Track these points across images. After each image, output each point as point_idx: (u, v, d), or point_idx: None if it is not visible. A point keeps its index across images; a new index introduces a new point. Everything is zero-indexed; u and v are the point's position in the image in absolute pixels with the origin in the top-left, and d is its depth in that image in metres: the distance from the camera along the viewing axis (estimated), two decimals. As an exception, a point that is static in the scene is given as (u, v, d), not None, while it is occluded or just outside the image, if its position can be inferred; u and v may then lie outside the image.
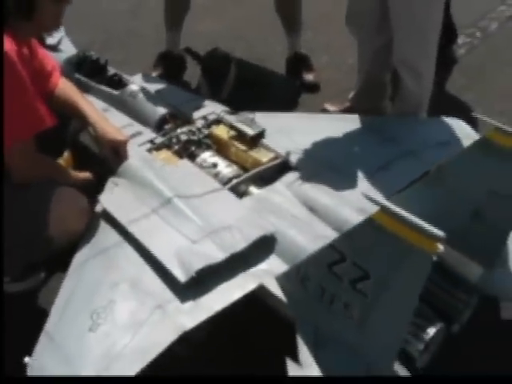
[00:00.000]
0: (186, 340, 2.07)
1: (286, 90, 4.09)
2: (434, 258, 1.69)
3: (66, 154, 2.91)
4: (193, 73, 4.10)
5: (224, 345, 2.43)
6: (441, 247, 1.66)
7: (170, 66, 4.19)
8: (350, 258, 1.91)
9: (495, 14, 5.17)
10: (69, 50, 3.62)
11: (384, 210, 1.75)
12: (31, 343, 2.06)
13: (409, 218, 1.70)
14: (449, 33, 4.09)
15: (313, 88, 4.12)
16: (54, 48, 3.48)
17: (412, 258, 1.73)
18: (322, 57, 4.41)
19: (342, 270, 1.94)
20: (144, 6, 5.25)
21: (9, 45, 2.26)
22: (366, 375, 1.97)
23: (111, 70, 3.39)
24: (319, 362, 2.01)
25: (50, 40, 3.48)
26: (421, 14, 2.95)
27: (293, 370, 1.99)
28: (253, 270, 2.27)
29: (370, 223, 1.80)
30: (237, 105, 3.22)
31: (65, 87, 2.84)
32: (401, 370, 2.00)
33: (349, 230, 1.92)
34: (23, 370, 2.01)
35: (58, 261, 2.47)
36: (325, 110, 3.77)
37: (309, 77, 4.16)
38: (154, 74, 4.01)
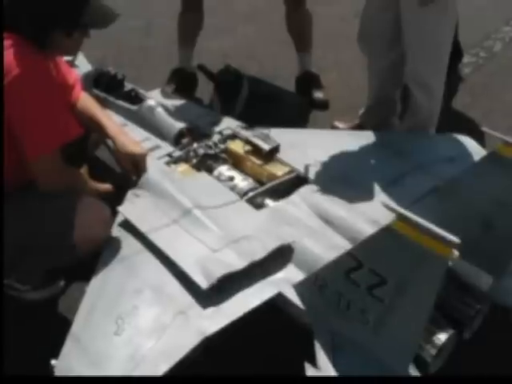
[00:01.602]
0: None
1: (296, 107, 4.17)
2: (450, 264, 1.76)
3: (84, 169, 2.97)
4: (205, 89, 4.17)
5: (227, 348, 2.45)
6: (456, 252, 1.74)
7: (182, 82, 4.27)
8: (366, 265, 1.97)
9: (500, 34, 5.28)
10: (84, 66, 3.70)
11: (401, 217, 1.83)
12: (53, 349, 2.10)
13: (425, 225, 1.77)
14: (455, 52, 4.18)
15: (322, 106, 4.21)
16: (70, 64, 3.55)
17: (428, 264, 1.80)
18: (330, 74, 4.49)
19: (359, 276, 2.00)
20: (155, 23, 5.35)
21: (34, 60, 2.36)
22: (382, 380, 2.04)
23: (128, 86, 3.47)
24: (336, 366, 2.06)
25: (66, 56, 3.55)
26: (433, 30, 3.02)
27: (311, 373, 2.04)
28: (271, 278, 2.33)
29: (387, 231, 1.87)
30: (249, 121, 3.29)
31: (86, 101, 2.92)
32: (415, 375, 2.05)
33: (366, 237, 1.99)
34: (46, 374, 2.07)
35: (78, 270, 2.53)
36: (334, 127, 3.84)
37: (318, 95, 4.25)
38: (167, 90, 4.08)
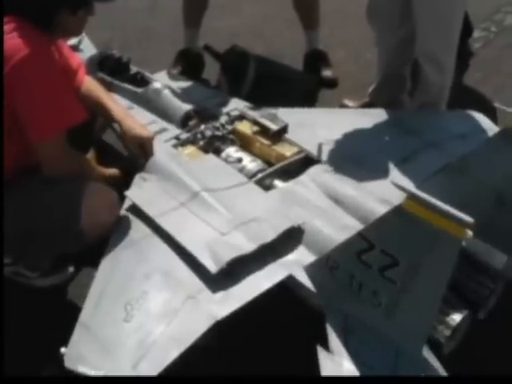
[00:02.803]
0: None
1: (304, 85, 4.11)
2: (463, 244, 1.73)
3: (91, 153, 2.95)
4: (212, 70, 4.12)
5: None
6: (470, 232, 1.71)
7: (189, 63, 4.22)
8: (378, 246, 1.95)
9: (510, 7, 5.16)
10: (89, 49, 3.66)
11: (413, 197, 1.79)
12: (63, 336, 2.09)
13: (437, 205, 1.74)
14: (464, 27, 4.11)
15: (331, 84, 4.15)
16: (75, 48, 3.52)
17: (441, 244, 1.78)
18: (338, 52, 4.42)
19: (371, 257, 1.98)
20: (160, 4, 5.28)
21: (38, 43, 2.33)
22: (395, 362, 2.02)
23: (133, 69, 3.43)
24: (349, 349, 2.04)
25: (71, 40, 3.51)
26: (444, 5, 2.97)
27: (323, 357, 2.02)
28: (281, 260, 2.31)
29: (398, 211, 1.84)
30: (256, 101, 3.25)
31: (90, 85, 2.89)
32: (429, 356, 2.03)
33: (377, 218, 1.96)
34: (55, 363, 2.06)
35: (86, 256, 2.51)
36: (344, 106, 3.79)
37: (327, 73, 4.19)
38: (174, 72, 4.04)
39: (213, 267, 2.20)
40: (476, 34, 4.66)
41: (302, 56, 4.31)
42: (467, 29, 4.29)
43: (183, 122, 3.04)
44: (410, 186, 2.02)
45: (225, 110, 3.16)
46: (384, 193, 2.45)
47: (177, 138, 2.96)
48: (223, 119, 3.07)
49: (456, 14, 3.07)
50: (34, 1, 2.38)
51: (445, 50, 3.15)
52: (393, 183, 1.90)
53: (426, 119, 3.10)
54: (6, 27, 2.36)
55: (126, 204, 2.59)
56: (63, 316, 2.28)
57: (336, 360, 2.02)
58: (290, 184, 2.64)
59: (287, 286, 2.28)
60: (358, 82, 4.05)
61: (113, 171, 2.78)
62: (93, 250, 2.42)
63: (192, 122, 3.05)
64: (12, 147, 2.41)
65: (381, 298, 2.02)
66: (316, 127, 2.99)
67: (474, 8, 4.30)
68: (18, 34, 2.33)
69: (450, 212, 1.72)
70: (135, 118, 2.86)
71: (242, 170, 2.72)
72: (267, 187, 2.66)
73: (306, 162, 2.79)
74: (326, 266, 2.15)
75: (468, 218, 1.69)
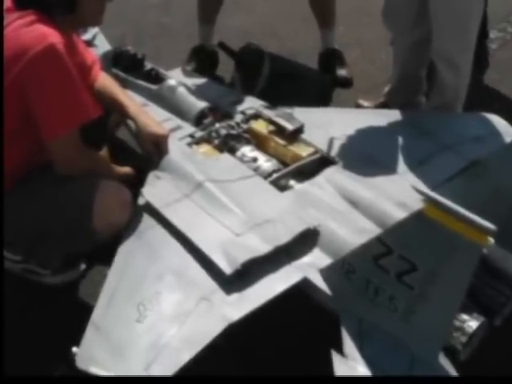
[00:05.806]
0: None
1: (319, 84, 4.09)
2: (484, 251, 1.71)
3: (104, 151, 2.93)
4: (226, 67, 4.10)
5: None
6: (491, 240, 1.68)
7: (203, 60, 4.19)
8: (396, 251, 1.93)
9: (527, 8, 5.12)
10: (103, 45, 3.64)
11: (433, 202, 1.77)
12: (75, 335, 2.07)
13: (459, 211, 1.72)
14: (481, 28, 4.07)
15: (346, 83, 4.11)
16: (89, 43, 3.50)
17: (461, 251, 1.76)
18: (353, 51, 4.38)
19: (389, 262, 1.96)
20: (174, 0, 5.27)
21: (55, 37, 2.31)
22: (410, 368, 2.00)
23: (148, 65, 3.39)
24: (364, 354, 2.03)
25: (85, 35, 3.49)
26: (462, 6, 2.95)
27: (338, 361, 2.00)
28: (296, 262, 2.28)
29: (418, 216, 1.82)
30: (270, 100, 3.21)
31: (105, 81, 2.86)
32: (445, 362, 2.01)
33: (396, 222, 1.93)
34: (66, 363, 2.05)
35: (98, 254, 2.51)
36: (359, 106, 3.76)
37: (342, 72, 4.15)
38: (188, 69, 4.02)
39: (227, 268, 2.18)
40: (492, 35, 4.60)
41: (317, 55, 4.27)
42: (484, 30, 4.25)
43: (198, 120, 3.01)
44: (428, 190, 1.99)
45: (240, 108, 3.12)
46: (400, 195, 2.44)
47: (191, 136, 2.93)
48: (238, 118, 3.04)
49: (473, 14, 3.04)
50: None
51: (461, 51, 3.12)
52: (413, 188, 1.87)
53: (441, 121, 3.06)
54: (24, 20, 2.34)
55: (140, 202, 2.56)
56: (75, 315, 2.27)
57: (350, 365, 2.00)
58: (306, 185, 2.62)
59: (302, 288, 2.26)
60: (373, 81, 4.02)
61: (127, 169, 2.75)
62: (105, 247, 2.41)
63: (207, 120, 3.02)
64: (22, 146, 2.41)
65: (397, 303, 2.00)
66: (332, 127, 2.95)
67: (490, 9, 4.25)
68: (35, 28, 2.31)
69: (471, 218, 1.69)
70: (150, 115, 2.82)
71: (256, 170, 2.70)
72: (282, 188, 2.63)
73: (322, 162, 2.76)
74: (342, 269, 2.13)
75: (490, 225, 1.66)
